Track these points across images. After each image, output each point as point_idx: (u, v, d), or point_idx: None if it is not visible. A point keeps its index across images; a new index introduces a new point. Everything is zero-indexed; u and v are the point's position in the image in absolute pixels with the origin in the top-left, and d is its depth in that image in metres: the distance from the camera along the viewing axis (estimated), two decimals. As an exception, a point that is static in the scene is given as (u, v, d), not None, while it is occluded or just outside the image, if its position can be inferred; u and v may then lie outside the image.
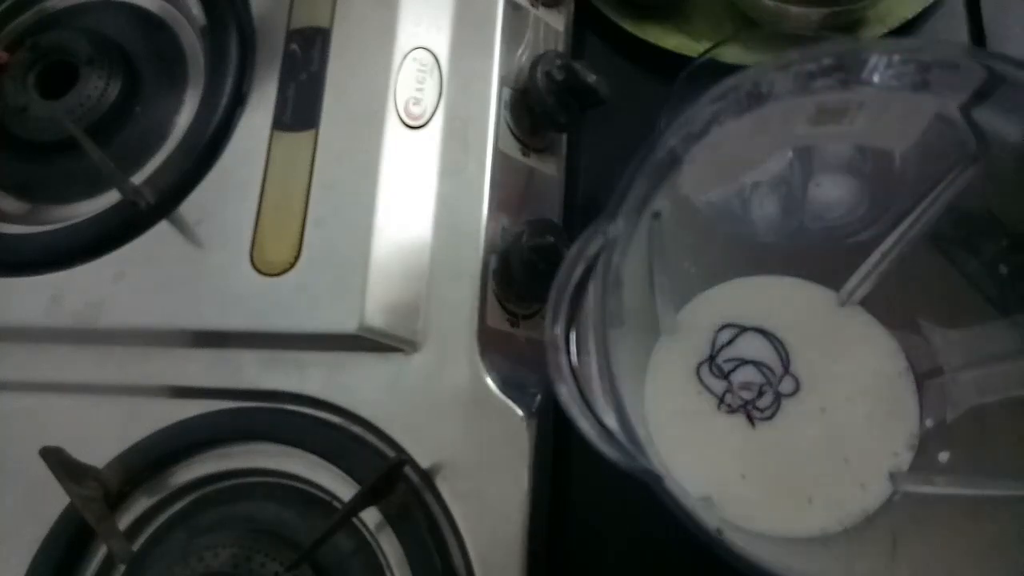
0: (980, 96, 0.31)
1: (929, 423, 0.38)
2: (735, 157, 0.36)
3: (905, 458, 0.37)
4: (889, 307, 0.39)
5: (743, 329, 0.40)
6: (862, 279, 0.39)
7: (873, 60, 0.31)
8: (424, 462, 0.38)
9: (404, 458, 0.37)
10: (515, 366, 0.40)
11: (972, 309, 0.37)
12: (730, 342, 0.39)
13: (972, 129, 0.33)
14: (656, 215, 0.35)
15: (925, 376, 0.38)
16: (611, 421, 0.28)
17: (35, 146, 0.47)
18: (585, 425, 0.28)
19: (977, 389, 0.36)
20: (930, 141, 0.34)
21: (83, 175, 0.45)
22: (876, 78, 0.31)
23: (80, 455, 0.39)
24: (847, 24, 0.46)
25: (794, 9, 0.45)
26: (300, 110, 0.42)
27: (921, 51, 0.31)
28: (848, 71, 0.31)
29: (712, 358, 0.40)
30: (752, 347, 0.39)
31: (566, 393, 0.28)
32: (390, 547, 0.37)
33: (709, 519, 0.28)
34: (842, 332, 0.40)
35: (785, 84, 0.31)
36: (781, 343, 0.39)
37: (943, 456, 0.37)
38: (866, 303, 0.40)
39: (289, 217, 0.40)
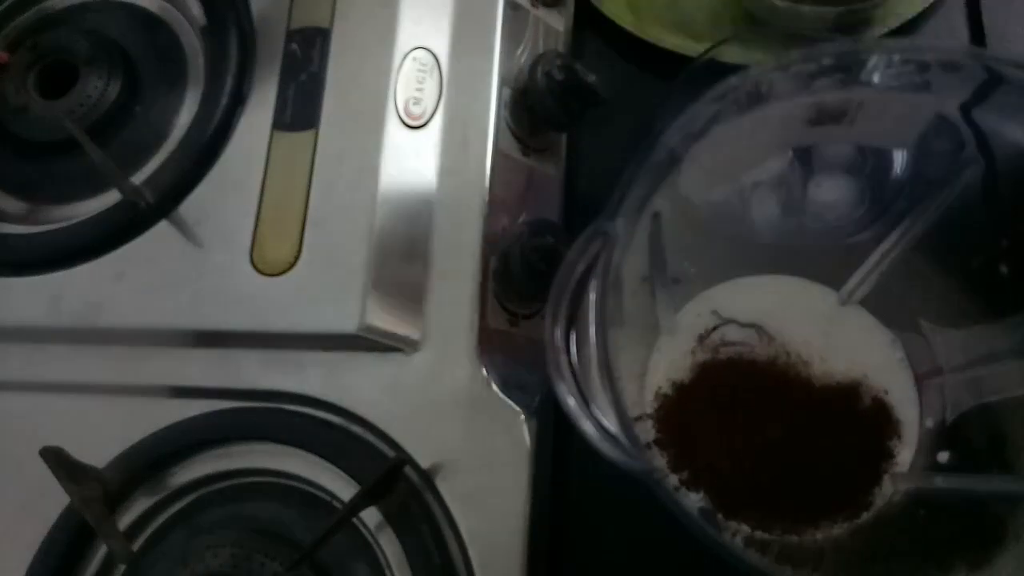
0: (980, 96, 0.31)
1: (929, 423, 0.38)
2: (735, 157, 0.36)
3: (905, 458, 0.37)
4: (889, 307, 0.39)
5: (726, 321, 0.40)
6: (862, 279, 0.39)
7: (873, 60, 0.31)
8: (424, 462, 0.38)
9: (404, 458, 0.37)
10: (515, 366, 0.40)
11: (972, 309, 0.37)
12: (715, 328, 0.40)
13: (972, 129, 0.33)
14: (656, 215, 0.35)
15: (925, 376, 0.38)
16: (611, 421, 0.28)
17: (35, 146, 0.47)
18: (585, 425, 0.28)
19: (977, 389, 0.36)
20: (930, 141, 0.34)
21: (83, 175, 0.45)
22: (876, 78, 0.31)
23: (80, 455, 0.39)
24: (858, 23, 0.46)
25: (807, 9, 0.45)
26: (300, 110, 0.42)
27: (921, 51, 0.31)
28: (848, 71, 0.31)
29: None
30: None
31: (566, 393, 0.28)
32: (390, 547, 0.37)
33: (708, 519, 0.28)
34: (842, 332, 0.40)
35: (785, 84, 0.32)
36: (763, 329, 0.39)
37: (943, 456, 0.37)
38: (866, 303, 0.40)
39: (289, 217, 0.40)
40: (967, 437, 0.37)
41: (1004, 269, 0.35)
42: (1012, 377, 0.35)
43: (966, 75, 0.31)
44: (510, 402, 0.38)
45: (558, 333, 0.29)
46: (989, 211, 0.35)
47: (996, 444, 0.36)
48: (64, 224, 0.44)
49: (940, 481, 0.36)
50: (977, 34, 0.46)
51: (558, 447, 0.40)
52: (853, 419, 0.38)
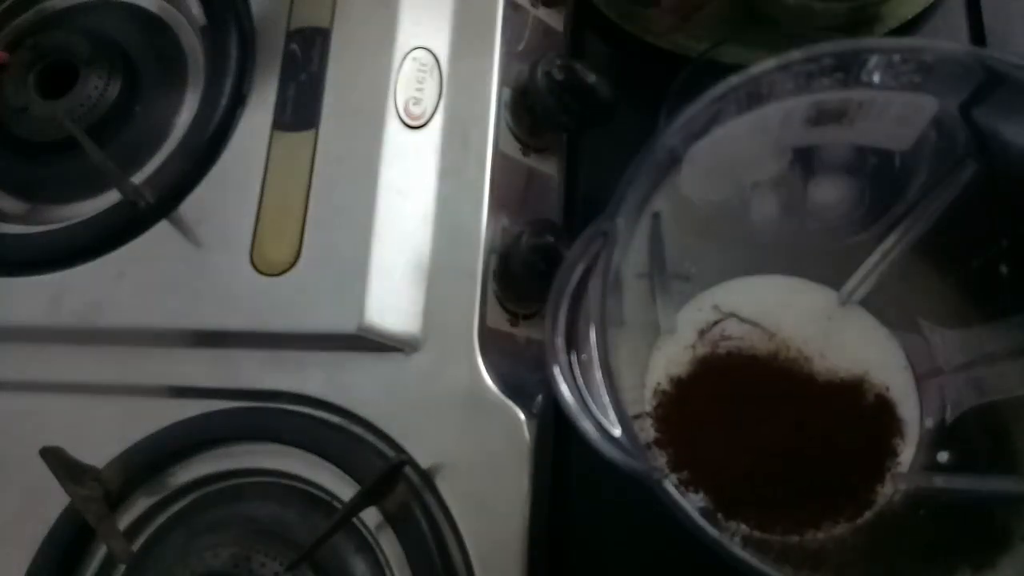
0: (980, 96, 0.31)
1: (929, 423, 0.38)
2: (735, 157, 0.36)
3: (905, 458, 0.37)
4: (889, 307, 0.40)
5: (726, 315, 0.40)
6: (862, 279, 0.39)
7: (873, 60, 0.31)
8: (424, 462, 0.38)
9: (404, 458, 0.37)
10: (515, 366, 0.40)
11: (972, 309, 0.37)
12: (716, 323, 0.39)
13: (972, 129, 0.33)
14: (656, 215, 0.35)
15: (925, 376, 0.38)
16: (611, 421, 0.28)
17: (35, 146, 0.47)
18: (585, 425, 0.28)
19: (977, 389, 0.36)
20: (930, 141, 0.34)
21: (83, 175, 0.45)
22: (876, 78, 0.31)
23: (80, 455, 0.39)
24: (868, 19, 0.46)
25: (818, 5, 0.45)
26: (300, 110, 0.42)
27: (921, 51, 0.31)
28: (848, 71, 0.31)
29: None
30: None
31: (566, 393, 0.28)
32: (390, 547, 0.37)
33: (709, 520, 0.28)
34: (842, 332, 0.40)
35: (785, 84, 0.32)
36: (764, 327, 0.39)
37: (943, 456, 0.37)
38: (866, 303, 0.40)
39: (289, 217, 0.40)
40: (967, 437, 0.37)
41: (1004, 269, 0.35)
42: (1012, 377, 0.35)
43: (966, 75, 0.31)
44: (510, 402, 0.38)
45: (558, 333, 0.29)
46: (989, 211, 0.35)
47: (996, 444, 0.36)
48: (64, 224, 0.44)
49: (940, 481, 0.36)
50: (977, 34, 0.46)
51: (558, 447, 0.40)
52: (856, 415, 0.38)
